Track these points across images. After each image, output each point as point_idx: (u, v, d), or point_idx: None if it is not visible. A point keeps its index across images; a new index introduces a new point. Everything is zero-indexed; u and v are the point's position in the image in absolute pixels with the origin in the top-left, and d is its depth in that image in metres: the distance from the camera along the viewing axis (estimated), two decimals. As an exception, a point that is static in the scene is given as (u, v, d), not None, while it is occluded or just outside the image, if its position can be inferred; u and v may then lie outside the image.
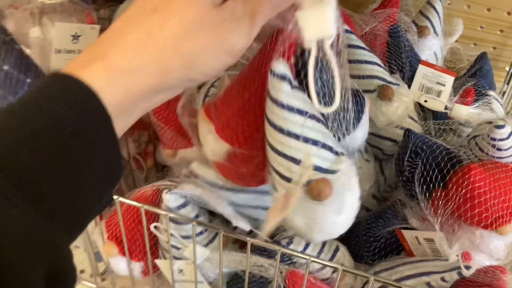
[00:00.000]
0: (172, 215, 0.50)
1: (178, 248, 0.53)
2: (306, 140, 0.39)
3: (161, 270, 0.57)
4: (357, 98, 0.48)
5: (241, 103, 0.43)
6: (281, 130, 0.39)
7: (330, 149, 0.40)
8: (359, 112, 0.47)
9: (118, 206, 0.51)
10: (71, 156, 0.28)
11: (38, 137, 0.27)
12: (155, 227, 0.52)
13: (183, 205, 0.51)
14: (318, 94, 0.40)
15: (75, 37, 0.58)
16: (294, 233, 0.52)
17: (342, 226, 0.42)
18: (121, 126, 0.32)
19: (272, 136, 0.40)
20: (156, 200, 0.53)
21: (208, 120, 0.47)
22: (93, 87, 0.29)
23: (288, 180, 0.40)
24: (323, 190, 0.38)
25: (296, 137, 0.39)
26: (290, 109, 0.38)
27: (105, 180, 0.31)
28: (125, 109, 0.32)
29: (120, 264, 0.57)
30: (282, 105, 0.38)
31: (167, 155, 0.64)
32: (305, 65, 0.39)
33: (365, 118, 0.49)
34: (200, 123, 0.49)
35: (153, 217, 0.54)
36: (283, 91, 0.38)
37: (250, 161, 0.45)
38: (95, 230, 0.58)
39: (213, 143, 0.46)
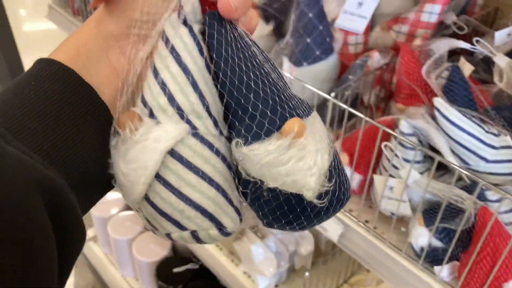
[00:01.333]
0: (402, 138, 0.66)
1: (396, 168, 0.70)
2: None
3: (375, 185, 0.74)
4: None
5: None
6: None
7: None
8: None
9: (363, 124, 0.70)
10: (60, 114, 0.31)
11: (30, 102, 0.31)
12: (385, 145, 0.70)
13: (411, 134, 0.67)
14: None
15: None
16: None
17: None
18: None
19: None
20: (390, 126, 0.71)
21: None
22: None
23: None
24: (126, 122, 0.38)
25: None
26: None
27: (97, 138, 0.34)
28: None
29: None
30: None
31: (399, 109, 0.81)
32: None
33: None
34: None
35: (385, 139, 0.71)
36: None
37: None
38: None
39: None
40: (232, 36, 0.36)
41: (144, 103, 0.35)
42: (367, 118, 0.69)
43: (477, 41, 0.73)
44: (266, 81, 0.36)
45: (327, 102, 0.84)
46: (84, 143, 0.32)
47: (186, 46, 0.34)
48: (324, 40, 0.81)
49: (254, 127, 0.35)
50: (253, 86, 0.35)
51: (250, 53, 0.37)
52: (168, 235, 0.37)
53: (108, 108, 0.34)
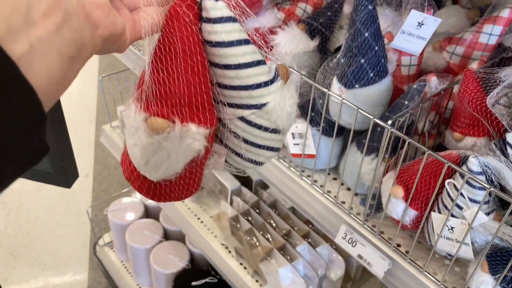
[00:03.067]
0: (471, 176, 0.60)
1: (460, 208, 0.64)
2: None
3: (432, 223, 0.68)
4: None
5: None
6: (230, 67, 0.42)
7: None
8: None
9: (425, 157, 0.64)
10: None
11: None
12: (449, 183, 0.64)
13: (480, 173, 0.61)
14: None
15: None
16: None
17: None
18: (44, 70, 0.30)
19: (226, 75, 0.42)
20: (455, 161, 0.64)
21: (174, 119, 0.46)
22: None
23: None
24: (285, 72, 0.46)
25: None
26: (231, 19, 0.41)
27: (21, 124, 0.28)
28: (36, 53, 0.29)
29: (398, 206, 0.71)
30: (225, 19, 0.40)
31: (456, 138, 0.75)
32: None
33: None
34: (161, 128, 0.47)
35: (448, 175, 0.65)
36: (222, 6, 0.40)
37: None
38: (388, 175, 0.72)
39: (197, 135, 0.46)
40: None
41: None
42: (431, 152, 0.63)
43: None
44: None
45: (378, 126, 0.78)
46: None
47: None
48: (379, 61, 0.75)
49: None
50: None
51: None
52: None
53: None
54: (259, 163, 0.50)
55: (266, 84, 0.44)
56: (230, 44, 0.40)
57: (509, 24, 0.85)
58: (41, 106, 0.29)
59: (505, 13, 0.84)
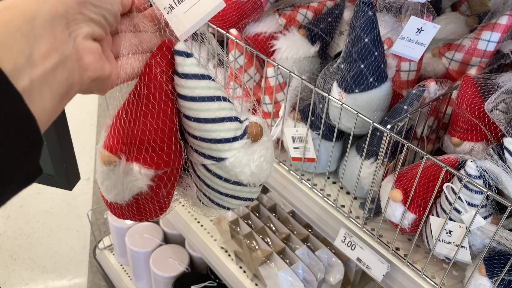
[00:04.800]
0: (470, 180, 0.61)
1: (458, 211, 0.64)
2: (223, 99, 0.45)
3: (431, 226, 0.69)
4: None
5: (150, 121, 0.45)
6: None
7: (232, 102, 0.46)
8: None
9: (424, 161, 0.65)
10: None
11: None
12: (447, 186, 0.65)
13: (478, 177, 0.62)
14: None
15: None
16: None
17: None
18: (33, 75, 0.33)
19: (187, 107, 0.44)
20: (453, 165, 0.65)
21: (121, 156, 0.47)
22: None
23: (234, 139, 0.46)
24: (258, 129, 0.47)
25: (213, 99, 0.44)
26: (197, 77, 0.43)
27: (16, 142, 0.31)
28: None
29: (397, 210, 0.71)
30: (191, 76, 0.42)
31: (454, 143, 0.76)
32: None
33: None
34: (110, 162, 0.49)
35: (446, 179, 0.66)
36: (190, 64, 0.42)
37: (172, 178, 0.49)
38: (387, 179, 0.73)
39: (141, 175, 0.47)
40: None
41: (237, 119, 0.46)
42: (429, 156, 0.64)
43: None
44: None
45: (377, 131, 0.79)
46: None
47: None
48: (378, 67, 0.76)
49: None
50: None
51: None
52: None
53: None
54: (227, 208, 0.52)
55: (227, 140, 0.45)
56: (192, 99, 0.43)
57: (507, 31, 0.87)
58: (39, 131, 0.33)
59: (503, 20, 0.85)
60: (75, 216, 2.29)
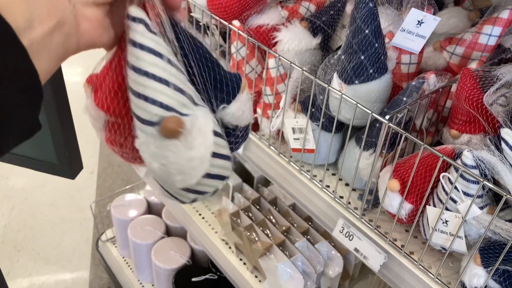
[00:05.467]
0: (466, 170, 0.62)
1: (454, 201, 0.65)
2: (160, 80, 0.42)
3: (427, 216, 0.69)
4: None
5: (111, 69, 0.47)
6: (137, 70, 0.42)
7: (183, 92, 0.43)
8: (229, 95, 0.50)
9: (421, 151, 0.65)
10: None
11: None
12: (444, 176, 0.65)
13: (475, 167, 0.63)
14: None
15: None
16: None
17: (199, 164, 0.45)
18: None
19: (131, 78, 0.43)
20: (450, 155, 0.66)
21: (89, 88, 0.50)
22: None
23: (147, 123, 0.43)
24: (173, 127, 0.42)
25: (152, 76, 0.42)
26: (146, 49, 0.42)
27: (20, 97, 0.34)
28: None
29: (394, 200, 0.72)
30: (139, 46, 0.41)
31: (453, 135, 0.76)
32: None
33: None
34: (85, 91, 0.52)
35: (443, 169, 0.67)
36: (138, 31, 0.41)
37: (125, 133, 0.49)
38: (386, 169, 0.74)
39: (92, 111, 0.50)
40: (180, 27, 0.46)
41: (163, 105, 0.42)
42: (426, 146, 0.64)
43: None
44: (217, 59, 0.50)
45: (376, 122, 0.79)
46: None
47: (156, 41, 0.42)
48: (378, 58, 0.77)
49: (231, 92, 0.50)
50: (215, 63, 0.49)
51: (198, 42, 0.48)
52: (215, 191, 0.50)
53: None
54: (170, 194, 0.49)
55: (154, 102, 0.43)
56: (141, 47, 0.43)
57: (509, 25, 0.87)
58: (41, 86, 0.36)
59: (504, 14, 0.85)
60: (79, 209, 2.31)
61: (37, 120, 0.37)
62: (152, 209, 1.83)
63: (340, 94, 0.75)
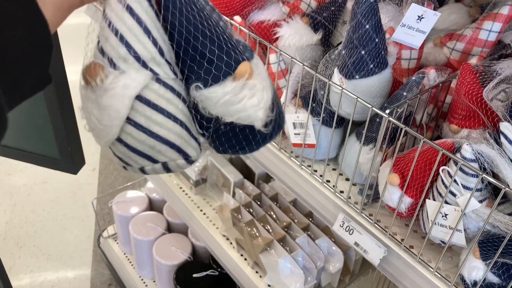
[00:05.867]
0: (465, 164, 0.62)
1: (454, 195, 0.65)
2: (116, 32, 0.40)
3: (427, 210, 0.70)
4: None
5: None
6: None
7: (130, 48, 0.41)
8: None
9: (420, 145, 0.66)
10: None
11: None
12: (443, 170, 0.65)
13: (474, 160, 0.63)
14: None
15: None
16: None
17: (107, 123, 0.42)
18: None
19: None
20: (450, 149, 0.66)
21: None
22: None
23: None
24: (89, 73, 0.41)
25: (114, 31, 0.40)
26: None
27: (31, 45, 0.34)
28: None
29: (394, 194, 0.73)
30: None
31: (453, 130, 0.76)
32: None
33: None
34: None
35: (443, 163, 0.67)
36: None
37: None
38: (386, 163, 0.74)
39: None
40: None
41: (103, 53, 0.40)
42: (426, 140, 0.65)
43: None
44: (218, 30, 0.43)
45: (377, 117, 0.80)
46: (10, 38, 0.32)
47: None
48: (379, 53, 0.77)
49: (213, 70, 0.43)
50: (208, 34, 0.43)
51: (198, 6, 0.43)
52: (142, 169, 0.44)
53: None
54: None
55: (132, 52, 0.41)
56: None
57: (509, 21, 0.87)
58: (51, 36, 0.36)
59: (504, 10, 0.85)
60: (81, 205, 2.32)
61: (48, 73, 0.37)
62: (153, 206, 1.84)
63: (341, 89, 0.75)
